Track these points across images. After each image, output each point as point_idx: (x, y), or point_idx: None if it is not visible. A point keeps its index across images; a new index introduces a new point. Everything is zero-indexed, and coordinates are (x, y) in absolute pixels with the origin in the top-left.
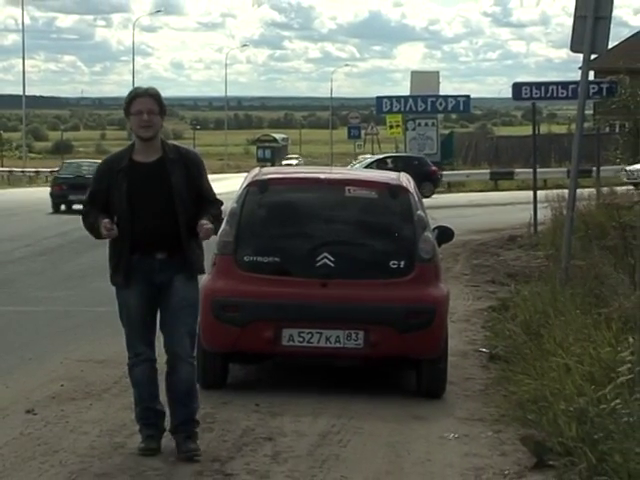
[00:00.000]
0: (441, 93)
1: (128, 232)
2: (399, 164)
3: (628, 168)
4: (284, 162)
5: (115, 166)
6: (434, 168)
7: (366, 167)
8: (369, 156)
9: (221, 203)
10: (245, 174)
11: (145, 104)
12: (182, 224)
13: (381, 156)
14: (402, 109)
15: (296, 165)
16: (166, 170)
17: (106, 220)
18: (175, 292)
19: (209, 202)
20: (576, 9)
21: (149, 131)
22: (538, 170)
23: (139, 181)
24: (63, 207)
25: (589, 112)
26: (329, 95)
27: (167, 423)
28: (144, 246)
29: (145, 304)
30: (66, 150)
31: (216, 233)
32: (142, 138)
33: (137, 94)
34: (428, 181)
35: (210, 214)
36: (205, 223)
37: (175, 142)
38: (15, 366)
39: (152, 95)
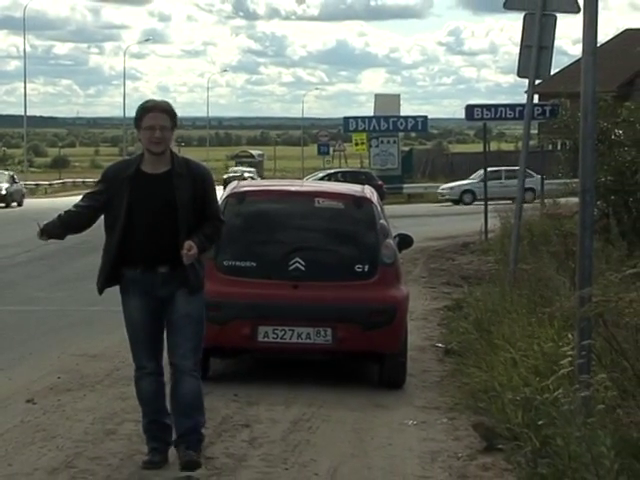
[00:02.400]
0: (401, 114)
1: (121, 243)
2: (348, 178)
3: (441, 187)
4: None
5: (121, 173)
6: (380, 182)
7: (319, 180)
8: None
9: (221, 222)
10: (225, 186)
11: (157, 119)
12: (183, 239)
13: (332, 171)
14: (367, 128)
15: (250, 178)
16: (172, 183)
17: (41, 230)
18: (178, 309)
19: (211, 220)
20: (522, 39)
21: (160, 147)
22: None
23: (142, 191)
24: None
25: (534, 131)
26: (301, 115)
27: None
28: (145, 259)
29: (148, 318)
30: (63, 165)
31: (203, 252)
32: (153, 153)
33: (149, 108)
34: None
35: (202, 233)
36: (189, 248)
37: (186, 156)
38: (16, 360)
39: (164, 110)
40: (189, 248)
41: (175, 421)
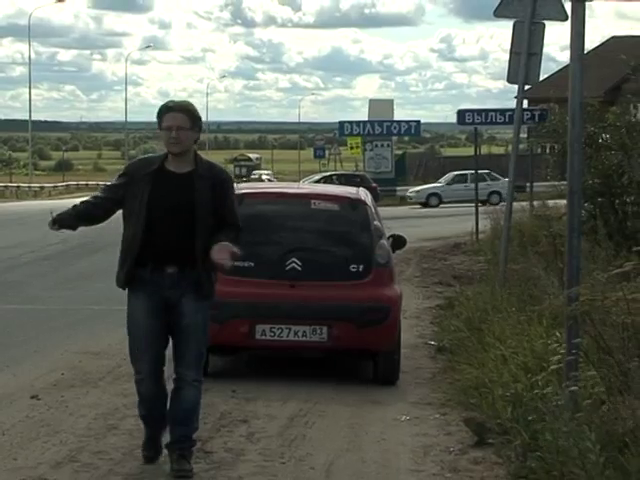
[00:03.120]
0: (395, 118)
1: (139, 240)
2: (343, 181)
3: (409, 191)
4: (254, 175)
5: (143, 169)
6: (374, 185)
7: (315, 182)
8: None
9: (240, 229)
10: None
11: (175, 120)
12: (198, 242)
13: (328, 174)
14: (361, 132)
15: (267, 179)
16: (193, 184)
17: (55, 224)
18: (183, 316)
19: (229, 225)
20: (512, 46)
21: (177, 147)
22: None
23: (163, 189)
24: None
25: (524, 135)
26: (297, 120)
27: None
28: (157, 257)
29: (151, 320)
30: (67, 168)
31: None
32: (172, 153)
33: (168, 108)
34: None
35: (225, 236)
36: (222, 253)
37: (211, 160)
38: (21, 357)
39: (183, 110)
40: (224, 246)
41: (171, 426)
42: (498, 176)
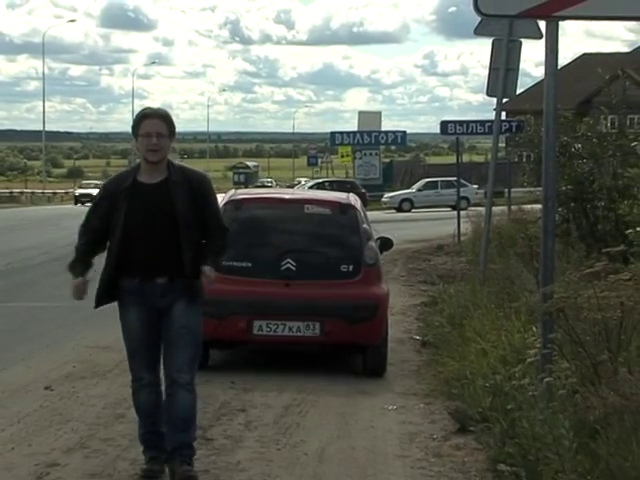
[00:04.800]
0: (382, 129)
1: (119, 255)
2: (335, 186)
3: (384, 196)
4: (258, 183)
5: (118, 186)
6: (363, 191)
7: (308, 188)
8: (304, 180)
9: (226, 230)
10: (223, 194)
11: (154, 126)
12: (185, 249)
13: (320, 180)
14: (351, 142)
15: (270, 186)
16: (169, 192)
17: (78, 282)
18: (175, 320)
19: (213, 229)
20: (491, 62)
21: (156, 155)
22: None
23: (140, 202)
24: None
25: (502, 145)
26: (292, 130)
27: None
28: (144, 270)
29: (146, 329)
30: (78, 175)
31: (218, 270)
32: (149, 161)
33: (146, 115)
34: None
35: (211, 252)
36: (209, 274)
37: (183, 164)
38: (35, 351)
39: (162, 116)
40: (209, 273)
41: (168, 434)
42: (467, 183)
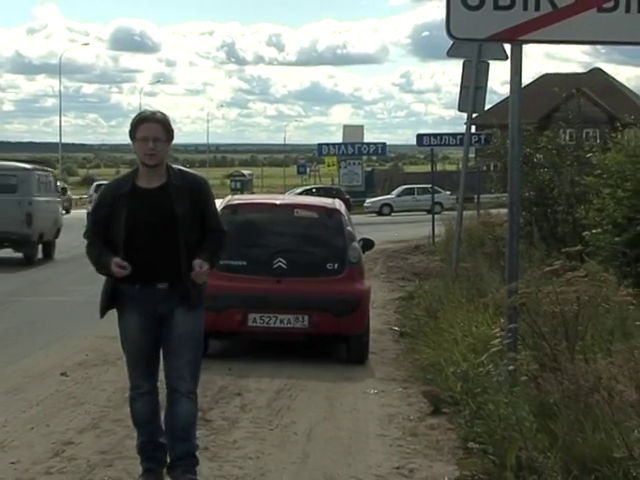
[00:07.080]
0: (365, 141)
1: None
2: (321, 193)
3: (366, 201)
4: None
5: (117, 192)
6: (347, 196)
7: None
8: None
9: (223, 233)
10: (221, 200)
11: (151, 130)
12: (183, 254)
13: (308, 187)
14: (337, 152)
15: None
16: (169, 197)
17: (117, 259)
18: (175, 326)
19: (211, 232)
20: (461, 81)
21: (154, 159)
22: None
23: (140, 208)
24: None
25: (472, 155)
26: (283, 142)
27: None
28: (144, 276)
29: (146, 336)
30: (91, 183)
31: (212, 268)
32: (147, 165)
33: (143, 118)
34: None
35: (207, 250)
36: (200, 266)
37: (181, 167)
38: (53, 340)
39: (159, 120)
40: (200, 266)
41: (170, 444)
42: (440, 189)
